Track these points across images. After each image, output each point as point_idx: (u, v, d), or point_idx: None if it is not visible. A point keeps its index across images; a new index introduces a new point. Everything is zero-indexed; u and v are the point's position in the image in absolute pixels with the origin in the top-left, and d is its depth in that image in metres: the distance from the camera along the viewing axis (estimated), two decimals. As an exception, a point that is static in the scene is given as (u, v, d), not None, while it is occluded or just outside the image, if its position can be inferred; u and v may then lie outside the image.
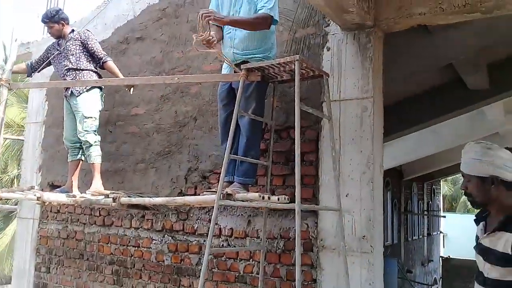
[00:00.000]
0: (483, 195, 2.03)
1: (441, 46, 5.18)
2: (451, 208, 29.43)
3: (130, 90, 4.10)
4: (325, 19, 3.44)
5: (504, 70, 6.19)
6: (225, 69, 3.36)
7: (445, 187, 26.49)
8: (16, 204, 5.46)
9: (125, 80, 3.87)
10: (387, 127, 3.57)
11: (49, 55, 4.33)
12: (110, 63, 4.18)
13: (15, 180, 12.77)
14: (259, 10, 3.05)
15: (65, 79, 4.16)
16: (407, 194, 13.64)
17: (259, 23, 3.06)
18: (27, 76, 4.59)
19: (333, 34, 3.40)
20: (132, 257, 4.23)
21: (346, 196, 3.19)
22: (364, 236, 3.11)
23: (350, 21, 3.14)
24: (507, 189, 2.00)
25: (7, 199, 5.34)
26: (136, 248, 4.22)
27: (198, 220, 3.91)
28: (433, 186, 16.94)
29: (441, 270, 16.39)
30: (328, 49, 3.42)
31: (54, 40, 4.40)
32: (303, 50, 3.54)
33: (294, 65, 2.82)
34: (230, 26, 3.18)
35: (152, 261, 4.10)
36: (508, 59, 6.08)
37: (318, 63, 3.42)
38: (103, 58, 4.17)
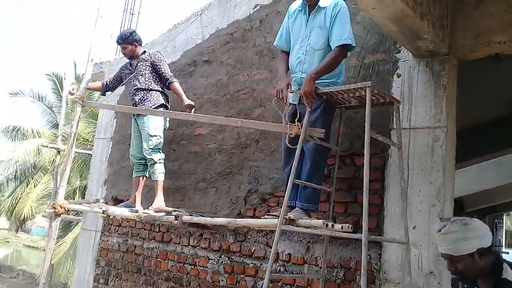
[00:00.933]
0: (475, 269, 2.01)
1: (509, 76, 4.95)
2: (514, 245, 27.60)
3: (191, 110, 4.19)
4: (396, 45, 3.37)
5: None
6: (291, 95, 3.35)
7: (507, 222, 24.94)
8: (76, 215, 5.67)
9: (190, 116, 3.97)
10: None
11: (122, 74, 4.54)
12: (176, 84, 4.31)
13: (77, 191, 13.39)
14: (333, 42, 3.05)
15: (133, 98, 4.34)
16: (468, 227, 12.97)
17: (339, 58, 3.05)
18: (101, 95, 4.82)
19: (404, 60, 3.33)
20: (188, 275, 4.26)
21: (413, 228, 3.06)
22: (431, 272, 2.96)
23: (424, 48, 3.06)
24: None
25: (69, 210, 5.56)
26: (193, 266, 4.25)
27: (255, 243, 3.88)
28: (495, 220, 15.99)
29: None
30: (399, 76, 3.34)
31: (126, 61, 4.61)
32: (371, 76, 3.48)
33: (365, 91, 2.77)
34: (300, 50, 3.20)
35: (208, 281, 4.10)
36: None
37: (388, 89, 3.34)
38: (170, 79, 4.32)
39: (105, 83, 4.68)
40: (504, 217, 18.89)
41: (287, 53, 3.37)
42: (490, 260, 2.01)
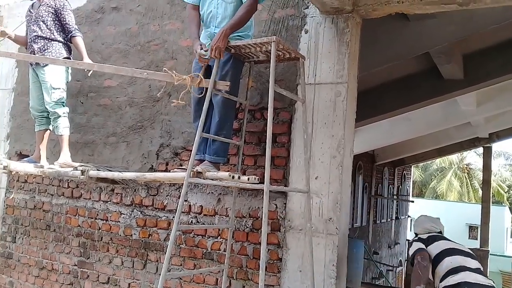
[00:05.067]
0: None
1: (418, 35, 5.23)
2: (420, 194, 30.26)
3: (88, 73, 3.96)
4: (305, 1, 3.41)
5: (478, 61, 6.31)
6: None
7: (415, 173, 27.14)
8: (-18, 172, 5.30)
9: (94, 65, 3.72)
10: (361, 111, 3.61)
11: (26, 22, 4.15)
12: (78, 39, 4.01)
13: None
14: None
15: (32, 45, 4.01)
16: (378, 178, 13.94)
17: (251, 11, 3.03)
18: (26, 48, 4.23)
19: (312, 16, 3.39)
20: (100, 230, 4.21)
21: (316, 178, 3.23)
22: (330, 218, 3.18)
23: (329, 4, 3.13)
24: None
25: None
26: (104, 221, 4.20)
27: (168, 196, 3.90)
28: (404, 172, 17.33)
29: (406, 253, 16.91)
30: (306, 32, 3.40)
31: (27, 5, 4.22)
32: (281, 31, 3.52)
33: (271, 46, 2.80)
34: (211, 4, 3.14)
35: (120, 235, 4.09)
36: (482, 50, 6.19)
37: (296, 45, 3.41)
38: (73, 32, 4.01)
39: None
40: (412, 168, 20.51)
41: (196, 8, 3.29)
42: None
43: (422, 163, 25.62)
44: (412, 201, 19.20)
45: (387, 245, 15.19)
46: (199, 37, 3.23)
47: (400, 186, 16.85)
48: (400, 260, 16.67)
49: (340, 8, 3.17)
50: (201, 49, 3.04)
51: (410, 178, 19.40)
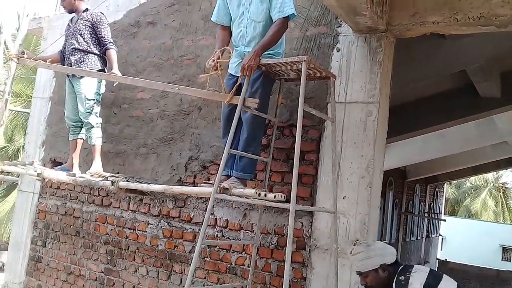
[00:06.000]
0: (381, 282, 2.50)
1: (455, 52, 5.13)
2: (453, 212, 29.39)
3: (113, 84, 4.05)
4: (338, 20, 3.39)
5: (517, 79, 6.13)
6: (233, 63, 3.33)
7: (448, 191, 26.41)
8: (18, 176, 5.50)
9: (127, 79, 3.84)
10: (394, 127, 3.54)
11: (65, 35, 4.30)
12: (112, 52, 4.12)
13: (21, 150, 12.91)
14: (274, 14, 3.03)
15: (69, 58, 4.15)
16: (409, 195, 13.63)
17: (281, 30, 3.04)
18: (61, 64, 4.37)
19: (345, 35, 3.37)
20: (127, 239, 4.27)
21: (343, 198, 3.19)
22: (357, 240, 3.12)
23: (362, 24, 3.10)
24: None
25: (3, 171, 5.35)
26: (132, 230, 4.26)
27: (194, 209, 3.93)
28: (437, 189, 16.90)
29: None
30: (338, 50, 3.38)
31: (67, 17, 4.37)
32: (313, 49, 3.51)
33: (301, 65, 2.80)
34: (241, 24, 3.17)
35: (147, 245, 4.14)
36: (522, 69, 6.01)
37: (327, 63, 3.39)
38: (108, 45, 4.13)
39: (60, 52, 4.38)
40: (445, 186, 19.97)
41: (226, 28, 3.32)
42: (391, 273, 2.46)
43: (456, 181, 24.90)
44: (444, 220, 18.68)
45: (416, 263, 14.80)
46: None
47: (432, 204, 16.43)
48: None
49: (373, 27, 3.13)
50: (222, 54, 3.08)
51: (443, 195, 18.90)
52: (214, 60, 3.05)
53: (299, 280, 3.31)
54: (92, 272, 4.45)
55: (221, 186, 2.94)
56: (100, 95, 4.17)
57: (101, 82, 4.18)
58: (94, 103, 4.07)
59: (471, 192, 29.43)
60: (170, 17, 4.36)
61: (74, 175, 3.94)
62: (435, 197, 16.86)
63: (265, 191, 3.05)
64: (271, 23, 3.09)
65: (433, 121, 7.52)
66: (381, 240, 10.94)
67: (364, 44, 3.26)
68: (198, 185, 3.46)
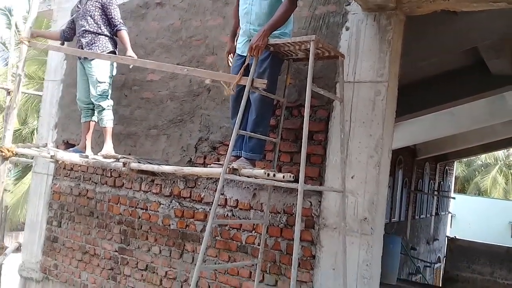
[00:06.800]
0: None
1: (466, 29, 5.05)
2: (462, 190, 29.30)
3: (130, 67, 4.09)
4: (347, -3, 3.37)
5: (529, 56, 6.03)
6: (240, 43, 3.33)
7: (458, 168, 26.29)
8: (32, 158, 5.60)
9: (137, 61, 3.85)
10: (403, 105, 3.52)
11: (74, 17, 4.32)
12: (123, 33, 4.14)
13: (35, 132, 13.07)
14: None
15: (80, 40, 4.18)
16: (419, 173, 13.62)
17: (290, 9, 3.03)
18: (61, 44, 4.48)
19: (354, 13, 3.34)
20: (140, 219, 4.36)
21: (352, 177, 3.22)
22: (365, 218, 3.16)
23: (372, 1, 3.07)
24: None
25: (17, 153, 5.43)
26: (144, 210, 4.35)
27: (205, 189, 3.99)
28: (446, 167, 16.85)
29: (446, 249, 16.56)
30: (347, 29, 3.36)
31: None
32: (321, 28, 3.49)
33: (310, 45, 2.79)
34: (246, 1, 3.16)
35: (159, 224, 4.22)
36: (534, 46, 5.90)
37: (336, 42, 3.38)
38: (118, 25, 4.15)
39: (62, 32, 4.42)
40: (455, 164, 19.87)
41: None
42: None
43: (466, 159, 24.76)
44: (454, 198, 18.66)
45: (425, 241, 14.89)
46: (235, 35, 3.26)
47: (442, 182, 16.41)
48: (439, 257, 16.31)
49: (383, 5, 3.10)
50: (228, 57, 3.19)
51: (453, 173, 18.84)
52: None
53: (308, 258, 3.37)
54: (106, 251, 4.56)
55: (231, 167, 2.98)
56: (111, 77, 4.20)
57: (112, 64, 4.21)
58: (106, 85, 4.11)
59: (481, 170, 29.27)
60: (178, -2, 4.35)
61: (86, 156, 4.01)
62: (444, 175, 16.83)
63: (274, 171, 3.09)
64: (277, 1, 3.08)
65: (443, 99, 7.46)
66: (390, 218, 11.00)
67: (373, 23, 3.24)
68: (208, 166, 3.51)
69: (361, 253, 3.14)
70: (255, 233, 3.65)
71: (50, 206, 5.17)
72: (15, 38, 6.18)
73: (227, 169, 2.94)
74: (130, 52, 4.04)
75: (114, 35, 4.21)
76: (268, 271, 3.52)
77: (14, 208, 13.49)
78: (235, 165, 3.00)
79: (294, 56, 3.22)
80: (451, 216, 19.82)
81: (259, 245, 3.51)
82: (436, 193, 15.69)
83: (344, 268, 3.04)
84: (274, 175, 2.96)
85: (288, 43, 2.95)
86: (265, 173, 2.90)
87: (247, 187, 3.74)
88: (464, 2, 2.99)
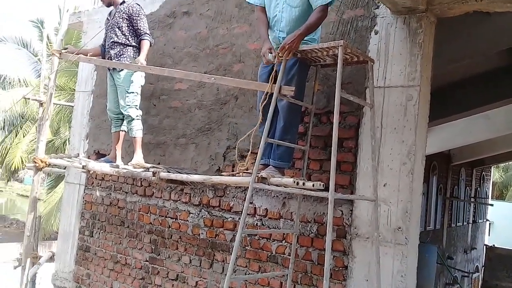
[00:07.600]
0: None
1: (501, 29, 4.87)
2: (501, 196, 28.28)
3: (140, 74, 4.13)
4: (375, 1, 3.29)
5: None
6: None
7: (496, 174, 25.41)
8: (64, 168, 5.71)
9: (165, 71, 3.89)
10: (436, 110, 3.40)
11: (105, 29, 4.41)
12: (144, 42, 4.22)
13: (67, 142, 13.41)
14: (315, 2, 2.98)
15: (109, 52, 4.25)
16: (454, 179, 13.20)
17: (321, 18, 3.00)
18: (102, 58, 4.52)
19: (382, 17, 3.26)
20: (170, 228, 4.37)
21: (384, 186, 3.12)
22: (399, 228, 3.06)
23: (401, 4, 2.99)
24: None
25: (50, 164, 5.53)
26: (174, 220, 4.35)
27: (234, 198, 3.96)
28: (483, 173, 16.28)
29: (484, 258, 15.95)
30: (376, 33, 3.28)
31: (106, 10, 4.47)
32: (349, 32, 3.42)
33: (338, 50, 2.73)
34: (277, 8, 3.13)
35: (189, 234, 4.22)
36: None
37: (365, 46, 3.30)
38: (142, 36, 4.23)
39: (101, 46, 4.52)
40: (492, 169, 19.21)
41: (264, 10, 3.28)
42: None
43: (503, 164, 23.90)
44: (491, 204, 18.00)
45: (462, 249, 14.38)
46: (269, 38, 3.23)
47: (478, 188, 15.86)
48: (477, 266, 15.74)
49: (412, 7, 3.01)
50: (270, 53, 3.04)
51: (490, 179, 18.18)
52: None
53: (340, 268, 3.28)
54: (137, 261, 4.59)
55: (259, 176, 2.94)
56: (140, 87, 4.24)
57: (142, 74, 4.26)
58: (134, 95, 4.15)
59: (520, 175, 28.21)
60: (205, 6, 4.36)
61: (117, 166, 4.05)
62: (481, 181, 16.26)
63: (303, 179, 3.02)
64: (307, 8, 3.04)
65: (477, 102, 7.21)
66: (425, 226, 10.70)
67: (403, 26, 3.15)
68: (237, 175, 3.47)
69: (395, 264, 3.03)
70: (285, 243, 3.59)
71: (82, 216, 5.26)
72: (47, 50, 6.39)
73: (256, 178, 2.90)
74: (141, 59, 4.09)
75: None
76: (299, 282, 3.45)
77: (47, 218, 13.83)
78: (264, 174, 2.96)
79: (322, 62, 3.16)
80: (489, 223, 19.12)
81: (289, 255, 3.44)
82: (473, 199, 15.17)
83: (378, 279, 2.93)
84: (303, 183, 2.89)
85: (316, 49, 2.90)
86: (294, 182, 2.84)
87: (277, 196, 3.68)
88: (497, 3, 2.87)
